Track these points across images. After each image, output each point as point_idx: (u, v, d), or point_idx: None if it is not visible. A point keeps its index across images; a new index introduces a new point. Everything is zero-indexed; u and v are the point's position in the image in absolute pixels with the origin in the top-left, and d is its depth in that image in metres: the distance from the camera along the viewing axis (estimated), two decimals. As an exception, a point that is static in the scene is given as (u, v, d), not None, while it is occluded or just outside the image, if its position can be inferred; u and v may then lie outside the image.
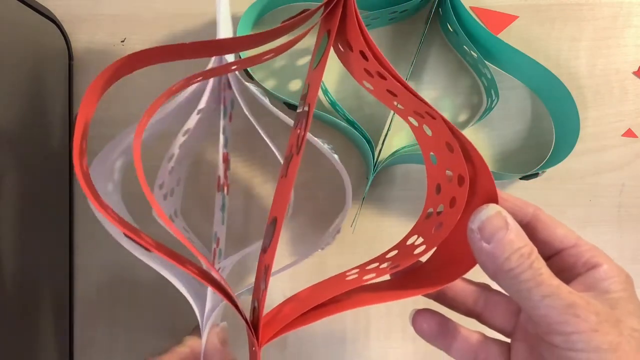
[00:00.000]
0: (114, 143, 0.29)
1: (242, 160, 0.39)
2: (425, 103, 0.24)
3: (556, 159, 0.36)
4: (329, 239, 0.34)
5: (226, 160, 0.35)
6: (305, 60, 0.38)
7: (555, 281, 0.23)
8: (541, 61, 0.35)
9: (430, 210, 0.27)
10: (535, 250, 0.23)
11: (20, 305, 0.32)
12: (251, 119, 0.32)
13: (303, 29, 0.25)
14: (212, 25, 0.38)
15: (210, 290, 0.32)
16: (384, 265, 0.26)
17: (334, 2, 0.25)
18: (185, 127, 0.31)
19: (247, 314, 0.24)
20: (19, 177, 0.31)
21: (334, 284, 0.26)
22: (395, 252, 0.27)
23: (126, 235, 0.24)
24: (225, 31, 0.32)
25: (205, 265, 0.26)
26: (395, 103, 0.27)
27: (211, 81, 0.31)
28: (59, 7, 0.36)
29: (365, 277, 0.26)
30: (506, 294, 0.26)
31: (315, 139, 0.31)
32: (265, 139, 0.32)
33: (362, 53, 0.25)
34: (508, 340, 0.29)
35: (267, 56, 0.26)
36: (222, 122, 0.33)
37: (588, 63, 0.38)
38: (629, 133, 0.38)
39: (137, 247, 0.29)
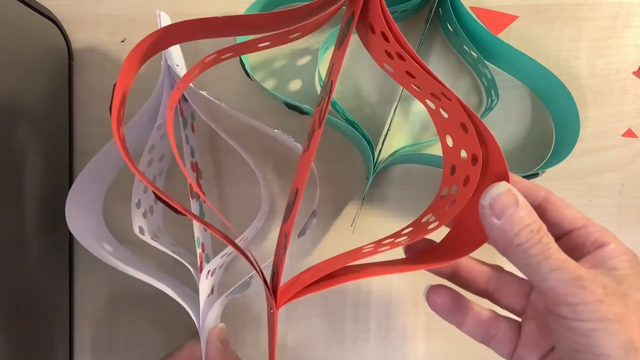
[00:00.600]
0: (94, 164, 0.30)
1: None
2: (442, 84, 0.25)
3: (556, 159, 0.36)
4: (308, 225, 0.35)
5: (196, 169, 0.35)
6: (305, 60, 0.38)
7: (563, 255, 0.23)
8: (541, 61, 0.35)
9: (445, 190, 0.28)
10: (544, 226, 0.24)
11: (19, 309, 0.32)
12: (211, 124, 0.33)
13: (326, 10, 0.27)
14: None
15: (201, 294, 0.33)
16: (399, 239, 0.28)
17: None
18: (149, 144, 0.32)
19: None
20: (19, 178, 0.31)
21: (350, 255, 0.27)
22: (410, 229, 0.28)
23: (158, 198, 0.26)
24: (175, 51, 0.33)
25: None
26: (413, 85, 0.28)
27: (164, 96, 0.31)
28: (59, 7, 0.36)
29: (381, 249, 0.27)
30: (518, 275, 0.26)
31: (276, 131, 0.32)
32: (230, 141, 0.33)
33: (383, 34, 0.26)
34: (519, 319, 0.29)
35: (294, 35, 0.28)
36: (183, 133, 0.34)
37: (588, 63, 0.38)
38: (629, 133, 0.38)
39: (131, 265, 0.32)
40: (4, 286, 0.30)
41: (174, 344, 0.38)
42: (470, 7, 0.38)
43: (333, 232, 0.38)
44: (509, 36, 0.38)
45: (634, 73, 0.38)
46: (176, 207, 0.26)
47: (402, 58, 0.26)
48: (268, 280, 0.26)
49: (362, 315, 0.39)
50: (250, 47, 0.28)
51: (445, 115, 0.27)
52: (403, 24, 0.38)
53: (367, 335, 0.39)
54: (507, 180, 0.25)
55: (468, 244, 0.26)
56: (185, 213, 0.26)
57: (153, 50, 0.27)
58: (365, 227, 0.38)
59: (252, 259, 0.27)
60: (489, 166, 0.26)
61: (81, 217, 0.32)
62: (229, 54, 0.29)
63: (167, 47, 0.28)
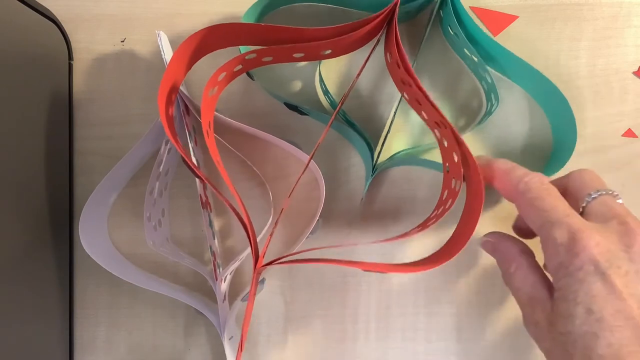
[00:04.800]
0: (105, 183, 0.33)
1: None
2: (440, 112, 0.29)
3: (553, 168, 0.36)
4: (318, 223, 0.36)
5: (202, 181, 0.36)
6: (304, 61, 0.38)
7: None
8: (541, 61, 0.35)
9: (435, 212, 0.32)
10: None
11: (19, 308, 0.32)
12: (216, 136, 0.34)
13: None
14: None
15: (219, 301, 0.35)
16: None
17: (390, 15, 0.31)
18: (158, 159, 0.34)
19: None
20: (18, 178, 0.31)
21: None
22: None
23: (184, 161, 0.29)
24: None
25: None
26: (423, 113, 0.31)
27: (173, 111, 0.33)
28: (59, 7, 0.36)
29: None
30: None
31: (284, 141, 0.34)
32: (234, 151, 0.35)
33: (397, 62, 0.30)
34: None
35: (326, 51, 0.32)
36: (190, 146, 0.34)
37: (588, 63, 0.38)
38: (629, 133, 0.38)
39: (149, 281, 0.35)
40: (4, 286, 0.30)
41: (173, 343, 0.38)
42: (470, 7, 0.38)
43: (330, 234, 0.38)
44: (508, 36, 0.38)
45: (634, 73, 0.38)
46: (197, 172, 0.29)
47: (409, 85, 0.29)
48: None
49: (362, 315, 0.39)
50: (287, 56, 0.32)
51: (445, 144, 0.30)
52: (404, 26, 0.38)
53: (367, 335, 0.39)
54: (482, 199, 0.29)
55: (449, 253, 0.30)
56: (201, 176, 0.29)
57: (202, 47, 0.30)
58: (363, 229, 0.38)
59: (248, 226, 0.29)
60: (470, 186, 0.30)
61: (94, 238, 0.35)
62: (270, 58, 0.32)
63: (212, 50, 0.31)
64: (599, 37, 0.38)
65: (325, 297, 0.39)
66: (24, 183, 0.32)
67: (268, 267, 0.30)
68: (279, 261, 0.30)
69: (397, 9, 0.31)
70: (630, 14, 0.38)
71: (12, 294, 0.31)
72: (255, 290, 0.31)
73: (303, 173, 0.33)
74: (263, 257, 0.31)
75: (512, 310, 0.38)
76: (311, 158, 0.33)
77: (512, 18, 0.38)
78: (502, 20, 0.38)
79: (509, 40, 0.38)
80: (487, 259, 0.38)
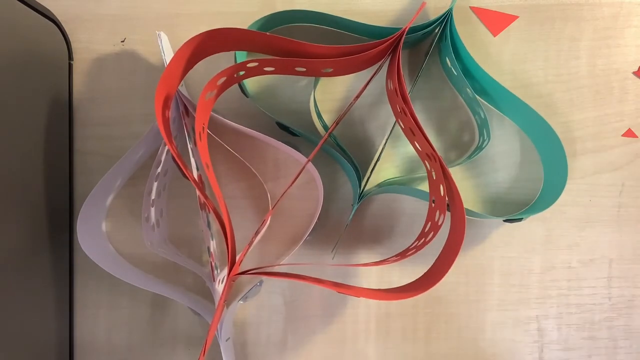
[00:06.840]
0: (104, 183, 0.33)
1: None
2: (430, 144, 0.30)
3: (543, 205, 0.36)
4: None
5: (201, 181, 0.36)
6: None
7: None
8: (541, 61, 0.35)
9: (417, 242, 0.33)
10: None
11: (19, 308, 0.32)
12: (214, 137, 0.35)
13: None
14: (213, 24, 0.38)
15: (216, 302, 0.35)
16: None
17: (395, 43, 0.32)
18: (157, 159, 0.34)
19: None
20: (18, 177, 0.31)
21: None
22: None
23: (175, 161, 0.30)
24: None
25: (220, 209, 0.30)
26: (416, 143, 0.32)
27: (172, 112, 0.33)
28: (59, 7, 0.36)
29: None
30: None
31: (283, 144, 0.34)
32: (233, 152, 0.35)
33: (395, 90, 0.30)
34: None
35: (327, 69, 0.32)
36: (189, 147, 0.35)
37: (588, 63, 0.38)
38: (629, 133, 0.38)
39: (145, 281, 0.35)
40: (4, 286, 0.30)
41: (173, 344, 0.38)
42: (470, 7, 0.38)
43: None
44: (508, 36, 0.38)
45: (634, 73, 0.38)
46: (187, 174, 0.29)
47: (405, 114, 0.30)
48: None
49: (362, 315, 0.39)
50: (288, 68, 0.32)
51: (434, 176, 0.31)
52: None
53: (367, 335, 0.39)
54: (463, 231, 0.29)
55: (430, 281, 0.30)
56: (190, 179, 0.29)
57: (202, 50, 0.30)
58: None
59: (228, 233, 0.29)
60: (454, 218, 0.30)
61: (92, 239, 0.34)
62: (271, 69, 0.32)
63: (210, 54, 0.31)
64: (599, 37, 0.38)
65: (325, 297, 0.39)
66: (24, 183, 0.32)
67: (242, 275, 0.30)
68: (255, 271, 0.30)
69: (403, 38, 0.31)
70: (630, 14, 0.38)
71: (12, 294, 0.31)
72: (226, 297, 0.30)
73: (299, 174, 0.33)
74: (239, 265, 0.30)
75: (511, 310, 0.38)
76: (309, 160, 0.33)
77: (512, 18, 0.38)
78: (502, 20, 0.38)
79: (509, 40, 0.38)
80: (485, 260, 0.38)
